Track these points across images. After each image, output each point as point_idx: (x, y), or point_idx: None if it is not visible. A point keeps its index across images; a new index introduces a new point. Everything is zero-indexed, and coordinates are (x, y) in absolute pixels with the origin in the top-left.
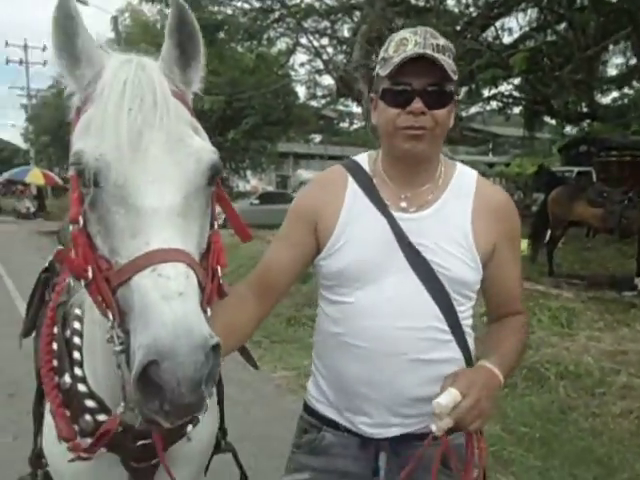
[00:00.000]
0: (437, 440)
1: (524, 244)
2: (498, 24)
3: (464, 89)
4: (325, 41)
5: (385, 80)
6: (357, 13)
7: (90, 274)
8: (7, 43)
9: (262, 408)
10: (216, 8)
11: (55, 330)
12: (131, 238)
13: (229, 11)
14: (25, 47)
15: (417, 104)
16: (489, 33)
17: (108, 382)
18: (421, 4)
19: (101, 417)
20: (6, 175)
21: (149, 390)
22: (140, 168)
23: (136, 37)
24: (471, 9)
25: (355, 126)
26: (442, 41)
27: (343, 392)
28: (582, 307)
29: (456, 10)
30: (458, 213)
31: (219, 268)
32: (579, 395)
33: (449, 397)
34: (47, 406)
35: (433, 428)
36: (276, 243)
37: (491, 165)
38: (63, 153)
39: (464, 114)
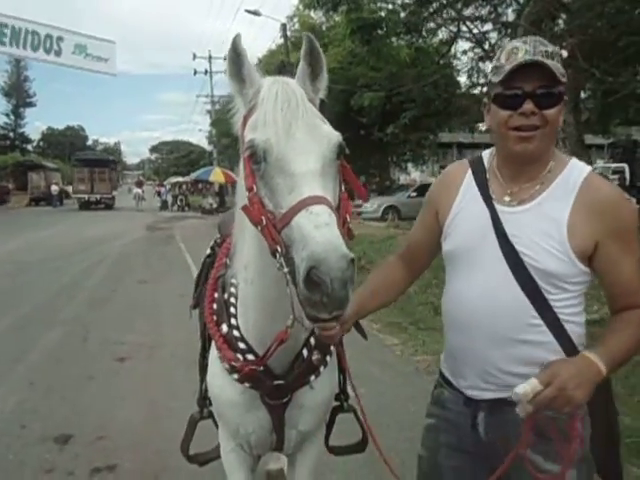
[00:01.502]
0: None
1: None
2: None
3: None
4: (488, 27)
5: (498, 86)
6: None
7: (264, 222)
8: (195, 56)
9: (401, 387)
10: (377, 4)
11: (216, 295)
12: (289, 194)
13: (390, 6)
14: (209, 58)
15: (528, 105)
16: None
17: (256, 329)
18: None
19: (249, 356)
20: (194, 175)
21: (312, 287)
22: (292, 146)
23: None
24: None
25: None
26: (550, 47)
27: (452, 357)
28: None
29: None
30: (557, 208)
31: (347, 216)
32: None
33: (527, 387)
34: (212, 348)
35: (517, 411)
36: (416, 224)
37: None
38: None
39: None
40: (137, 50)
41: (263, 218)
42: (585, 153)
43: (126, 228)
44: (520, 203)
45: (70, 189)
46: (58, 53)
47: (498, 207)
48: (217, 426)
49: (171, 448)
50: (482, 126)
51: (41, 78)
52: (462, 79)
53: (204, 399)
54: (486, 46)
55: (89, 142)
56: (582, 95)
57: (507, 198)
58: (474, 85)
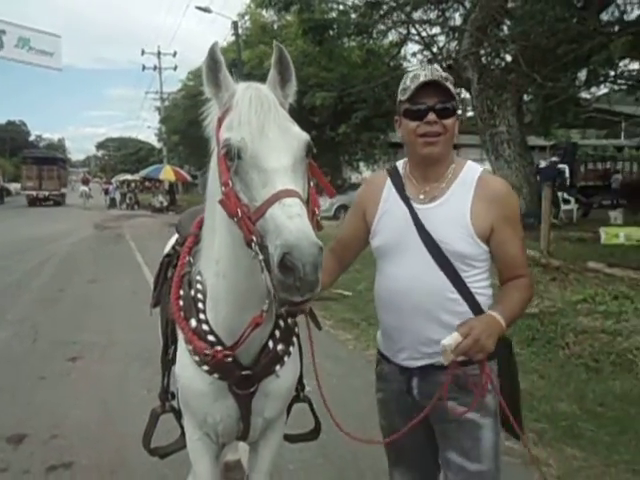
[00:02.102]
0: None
1: None
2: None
3: (584, 71)
4: (436, 30)
5: (406, 103)
6: (467, 1)
7: (239, 214)
8: (143, 52)
9: (353, 379)
10: (329, 5)
11: (182, 292)
12: (262, 188)
13: (341, 7)
14: (159, 54)
15: (431, 116)
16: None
17: (227, 322)
18: None
19: (219, 348)
20: (143, 173)
21: (286, 272)
22: (265, 145)
23: (255, 38)
24: None
25: (469, 114)
26: (444, 74)
27: (387, 336)
28: None
29: None
30: (461, 200)
31: (316, 209)
32: None
33: (451, 340)
34: (180, 342)
35: (442, 360)
36: (345, 223)
37: (620, 149)
38: (191, 151)
39: (587, 96)
40: (84, 44)
41: (239, 210)
42: (528, 154)
43: (73, 227)
44: (432, 200)
45: (11, 186)
46: (0, 46)
47: (415, 205)
48: (178, 420)
49: (126, 445)
50: None
51: None
52: None
53: (166, 393)
54: (434, 49)
55: (31, 138)
56: (525, 98)
57: (422, 196)
58: None
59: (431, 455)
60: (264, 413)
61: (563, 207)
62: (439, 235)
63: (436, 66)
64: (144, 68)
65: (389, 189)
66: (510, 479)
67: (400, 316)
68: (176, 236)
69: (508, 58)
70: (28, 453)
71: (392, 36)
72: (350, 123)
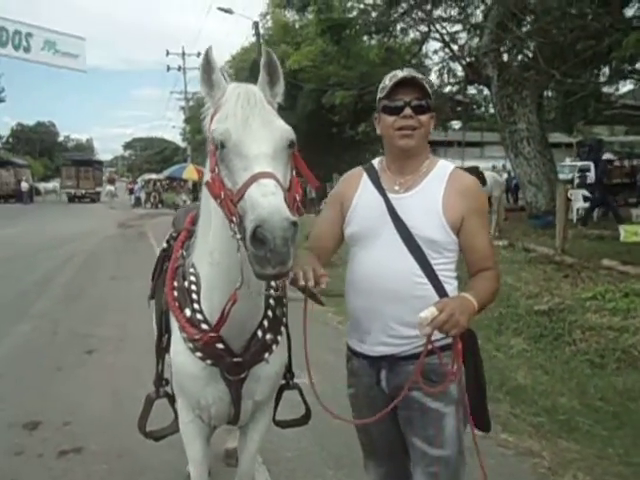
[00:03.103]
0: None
1: None
2: None
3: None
4: (457, 27)
5: (385, 100)
6: None
7: (222, 196)
8: (168, 52)
9: None
10: (349, 4)
11: (176, 284)
12: (243, 172)
13: (361, 6)
14: (183, 55)
15: (407, 111)
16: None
17: (221, 309)
18: None
19: (212, 334)
20: (167, 172)
21: (257, 244)
22: (247, 134)
23: (277, 38)
24: None
25: (492, 111)
26: (420, 75)
27: (356, 321)
28: None
29: None
30: (434, 192)
31: (297, 196)
32: None
33: (428, 313)
34: (175, 331)
35: (419, 332)
36: (320, 221)
37: None
38: None
39: (610, 92)
40: (110, 46)
41: (222, 193)
42: (548, 151)
43: (98, 225)
44: (407, 190)
45: (40, 186)
46: (27, 49)
47: (390, 195)
48: (172, 405)
49: (134, 432)
50: (456, 125)
51: (10, 73)
52: (432, 78)
53: (160, 380)
54: (455, 47)
55: (60, 138)
56: (547, 95)
57: (397, 187)
58: (444, 85)
59: (402, 446)
60: (254, 396)
61: (578, 205)
62: (412, 222)
63: (413, 69)
64: (169, 69)
65: (365, 182)
66: (502, 470)
67: (369, 299)
68: (171, 230)
69: (528, 55)
70: (42, 438)
71: (413, 34)
72: (370, 122)
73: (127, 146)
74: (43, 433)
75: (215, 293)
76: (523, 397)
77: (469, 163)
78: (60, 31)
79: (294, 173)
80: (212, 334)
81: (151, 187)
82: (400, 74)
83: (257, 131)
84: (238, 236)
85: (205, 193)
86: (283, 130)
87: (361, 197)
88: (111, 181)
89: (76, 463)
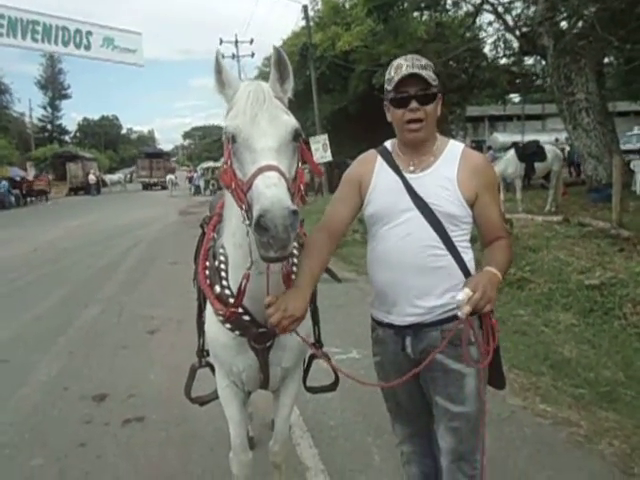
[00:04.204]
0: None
1: None
2: None
3: None
4: None
5: (392, 92)
6: None
7: (233, 185)
8: (221, 41)
9: None
10: None
11: (207, 263)
12: (252, 164)
13: None
14: (236, 42)
15: (413, 104)
16: None
17: (247, 286)
18: None
19: (233, 309)
20: (210, 163)
21: (261, 231)
22: (255, 130)
23: (327, 20)
24: None
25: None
26: (424, 61)
27: (382, 294)
28: None
29: None
30: (448, 170)
31: (301, 186)
32: None
33: (464, 295)
34: (208, 306)
35: (459, 314)
36: (334, 201)
37: None
38: None
39: None
40: (165, 38)
41: (233, 183)
42: (609, 122)
43: (160, 213)
44: (422, 170)
45: (106, 177)
46: (87, 47)
47: (406, 175)
48: (214, 373)
49: (192, 404)
50: (513, 97)
51: (75, 70)
52: (486, 51)
53: (202, 351)
54: (508, 17)
55: (123, 131)
56: (608, 61)
57: (412, 167)
58: (499, 57)
59: (426, 408)
60: (282, 363)
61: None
62: (431, 199)
63: (417, 56)
64: (223, 57)
65: (380, 164)
66: (536, 438)
67: (393, 272)
68: (207, 214)
69: (585, 22)
70: (108, 409)
71: (465, 7)
72: None
73: (186, 135)
74: (109, 404)
75: (239, 272)
76: (566, 370)
77: (529, 137)
78: (118, 27)
79: (300, 164)
80: (233, 309)
81: (210, 174)
82: (404, 67)
83: (264, 127)
84: (247, 222)
85: None
86: (288, 124)
87: (379, 178)
88: (171, 170)
89: (138, 430)
